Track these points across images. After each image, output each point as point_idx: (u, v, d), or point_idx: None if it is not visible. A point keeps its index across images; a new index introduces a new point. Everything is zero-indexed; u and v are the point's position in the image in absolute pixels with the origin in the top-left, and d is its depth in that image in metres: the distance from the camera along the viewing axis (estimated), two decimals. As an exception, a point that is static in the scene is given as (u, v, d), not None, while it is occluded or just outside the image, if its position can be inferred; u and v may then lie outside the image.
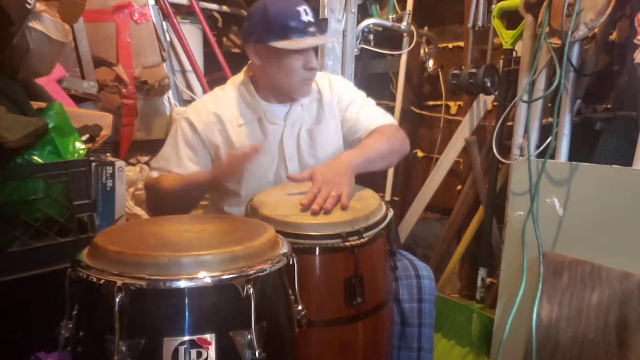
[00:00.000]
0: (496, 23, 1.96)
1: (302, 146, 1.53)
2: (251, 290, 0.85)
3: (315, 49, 1.53)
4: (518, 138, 1.77)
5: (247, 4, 2.74)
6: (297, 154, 1.53)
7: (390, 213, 1.28)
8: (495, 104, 2.12)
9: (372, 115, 1.55)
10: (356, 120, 1.54)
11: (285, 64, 1.41)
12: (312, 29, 1.39)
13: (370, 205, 1.25)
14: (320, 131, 1.54)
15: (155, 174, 1.50)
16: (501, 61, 1.98)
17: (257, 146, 1.29)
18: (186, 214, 1.41)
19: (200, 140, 1.49)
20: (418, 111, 2.63)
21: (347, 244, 1.13)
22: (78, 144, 1.37)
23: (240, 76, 1.57)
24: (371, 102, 1.61)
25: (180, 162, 1.47)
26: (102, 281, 0.84)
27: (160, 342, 0.83)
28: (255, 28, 1.42)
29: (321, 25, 1.38)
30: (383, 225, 1.23)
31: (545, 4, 1.61)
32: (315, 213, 1.19)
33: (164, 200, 1.45)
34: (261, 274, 0.88)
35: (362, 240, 1.14)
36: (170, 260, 0.85)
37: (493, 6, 2.01)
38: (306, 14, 1.39)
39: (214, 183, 1.39)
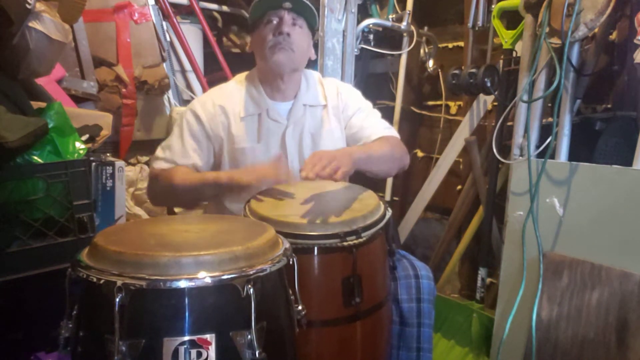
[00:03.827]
0: (496, 23, 1.96)
1: (304, 150, 1.53)
2: (251, 290, 0.85)
3: (311, 37, 1.55)
4: (518, 138, 1.77)
5: (247, 4, 2.74)
6: (298, 156, 1.54)
7: (389, 212, 1.28)
8: (495, 104, 2.12)
9: (376, 126, 1.57)
10: (360, 128, 1.56)
11: (259, 37, 1.49)
12: (287, 4, 1.45)
13: (368, 205, 1.25)
14: (324, 136, 1.55)
15: (161, 165, 1.51)
16: (501, 61, 1.98)
17: (279, 157, 1.33)
18: (186, 215, 1.41)
19: (205, 133, 1.51)
20: (418, 111, 2.63)
21: (345, 243, 1.12)
22: (78, 144, 1.37)
23: (250, 73, 1.60)
24: (377, 113, 1.63)
25: (186, 153, 1.50)
26: (102, 281, 0.84)
27: (161, 342, 0.83)
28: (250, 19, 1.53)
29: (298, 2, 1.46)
30: (381, 225, 1.23)
31: (545, 4, 1.61)
32: (307, 178, 1.20)
33: (172, 193, 1.47)
34: (261, 274, 0.88)
35: (360, 240, 1.14)
36: (170, 260, 0.85)
37: (493, 6, 2.01)
38: None
39: (230, 186, 1.38)
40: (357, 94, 1.66)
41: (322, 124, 1.56)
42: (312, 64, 2.15)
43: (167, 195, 1.52)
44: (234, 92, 1.55)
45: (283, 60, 1.46)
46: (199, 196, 1.51)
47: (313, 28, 1.53)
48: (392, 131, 1.60)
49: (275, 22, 1.46)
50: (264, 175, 1.32)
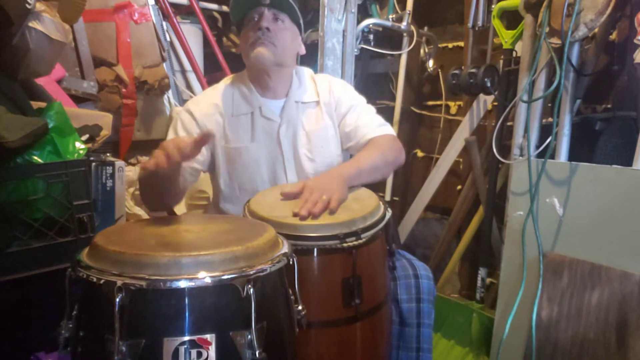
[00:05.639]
0: (496, 23, 1.96)
1: (299, 148, 1.52)
2: (251, 290, 0.85)
3: (297, 32, 1.54)
4: (518, 138, 1.77)
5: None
6: (293, 154, 1.53)
7: (389, 213, 1.28)
8: (495, 104, 2.12)
9: (370, 124, 1.54)
10: (354, 128, 1.54)
11: (244, 36, 1.50)
12: (265, 1, 1.46)
13: (368, 206, 1.25)
14: (318, 134, 1.54)
15: None
16: (501, 61, 1.98)
17: (206, 136, 1.13)
18: (186, 215, 1.41)
19: (200, 130, 1.49)
20: (418, 111, 2.63)
21: (345, 245, 1.12)
22: (78, 144, 1.37)
23: (239, 73, 1.60)
24: (371, 109, 1.61)
25: None
26: (102, 281, 0.84)
27: (161, 342, 0.83)
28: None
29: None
30: (381, 225, 1.22)
31: (545, 4, 1.61)
32: (303, 218, 1.18)
33: (142, 193, 1.40)
34: (261, 274, 0.88)
35: (360, 241, 1.14)
36: (170, 261, 0.85)
37: (493, 6, 2.01)
38: None
39: (155, 172, 1.13)
40: (350, 89, 1.64)
41: (316, 121, 1.55)
42: (312, 64, 2.16)
43: (141, 197, 1.42)
44: (225, 91, 1.55)
45: (263, 54, 1.44)
46: (153, 190, 1.32)
47: (298, 22, 1.52)
48: (386, 128, 1.56)
49: (256, 19, 1.47)
50: (150, 162, 1.12)
